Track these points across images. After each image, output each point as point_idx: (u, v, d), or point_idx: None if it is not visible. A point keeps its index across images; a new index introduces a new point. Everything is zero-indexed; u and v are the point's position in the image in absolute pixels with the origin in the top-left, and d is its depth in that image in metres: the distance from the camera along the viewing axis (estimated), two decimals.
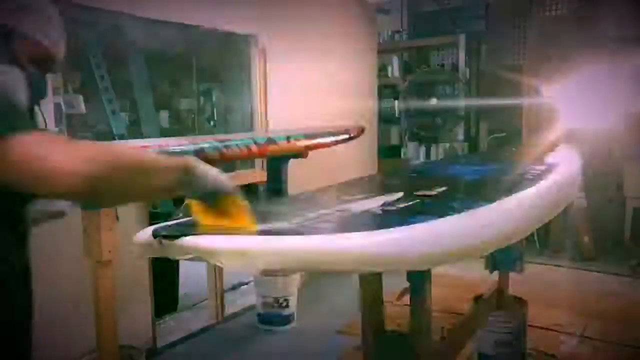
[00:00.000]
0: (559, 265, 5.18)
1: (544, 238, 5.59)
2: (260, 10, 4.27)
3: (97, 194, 1.02)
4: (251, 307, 4.08)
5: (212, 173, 1.19)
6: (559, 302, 4.13)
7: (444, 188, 2.07)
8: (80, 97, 5.23)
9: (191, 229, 1.34)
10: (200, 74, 6.74)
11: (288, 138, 3.54)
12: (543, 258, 5.32)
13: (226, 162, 3.81)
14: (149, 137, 5.66)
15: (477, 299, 3.06)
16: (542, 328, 3.66)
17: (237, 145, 3.09)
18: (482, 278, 3.27)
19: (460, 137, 6.51)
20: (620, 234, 5.54)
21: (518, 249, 2.92)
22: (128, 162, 1.07)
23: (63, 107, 4.93)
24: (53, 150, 0.97)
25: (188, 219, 1.67)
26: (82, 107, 5.21)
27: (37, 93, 1.34)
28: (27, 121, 1.13)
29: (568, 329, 3.68)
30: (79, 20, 4.60)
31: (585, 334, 3.61)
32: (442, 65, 7.01)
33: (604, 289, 4.50)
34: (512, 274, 3.08)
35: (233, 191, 1.22)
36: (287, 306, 3.83)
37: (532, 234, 5.33)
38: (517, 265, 2.98)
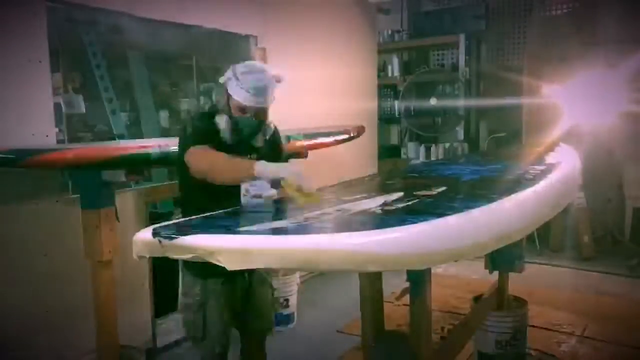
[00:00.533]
0: (559, 265, 5.17)
1: (544, 238, 5.59)
2: (260, 11, 4.27)
3: (210, 178, 1.96)
4: None
5: (269, 170, 1.89)
6: (559, 302, 4.13)
7: (443, 188, 2.07)
8: (81, 97, 5.23)
9: (190, 228, 1.34)
10: (201, 74, 6.74)
11: (288, 138, 3.54)
12: (543, 258, 5.32)
13: None
14: (149, 136, 5.67)
15: (477, 298, 3.07)
16: (542, 328, 3.66)
17: None
18: (482, 278, 3.27)
19: (460, 137, 6.51)
20: (620, 234, 5.54)
21: (518, 249, 2.92)
22: (221, 165, 1.98)
23: (63, 107, 4.94)
24: (194, 155, 2.02)
25: (188, 218, 1.67)
26: (82, 107, 5.21)
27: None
28: (202, 139, 2.04)
29: (568, 329, 3.68)
30: (79, 20, 4.61)
31: (585, 334, 3.61)
32: (442, 65, 7.01)
33: (604, 289, 4.50)
34: (512, 274, 3.08)
35: (287, 178, 1.85)
36: (287, 306, 3.83)
37: (532, 234, 5.33)
38: (517, 265, 2.98)
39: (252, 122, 2.11)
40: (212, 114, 2.14)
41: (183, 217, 2.04)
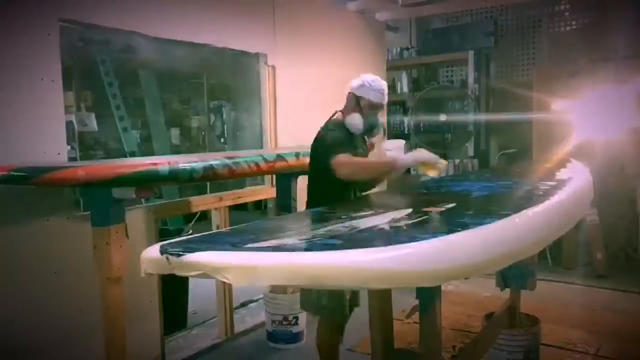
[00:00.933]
0: (571, 283, 5.10)
1: (556, 255, 5.53)
2: (270, 29, 4.32)
3: (352, 178, 2.62)
4: (260, 325, 4.06)
5: (410, 158, 2.60)
6: (572, 320, 4.07)
7: (452, 204, 2.06)
8: (93, 115, 5.30)
9: (197, 245, 1.34)
10: (211, 92, 6.80)
11: (297, 155, 3.55)
12: (555, 275, 5.25)
13: (236, 179, 3.82)
14: (160, 154, 5.71)
15: (489, 316, 3.03)
16: (555, 347, 3.60)
17: (245, 162, 3.10)
18: (494, 295, 3.23)
19: (470, 153, 6.49)
20: (634, 251, 5.46)
21: (529, 266, 2.89)
22: (364, 167, 2.66)
23: (75, 125, 5.00)
24: (341, 163, 2.55)
25: (197, 235, 1.67)
26: (95, 125, 5.28)
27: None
28: (345, 149, 2.61)
29: (582, 348, 3.62)
30: (92, 39, 4.68)
31: (599, 353, 3.54)
32: (451, 82, 7.02)
33: (618, 307, 4.42)
34: (523, 292, 3.04)
35: (423, 161, 2.59)
36: (296, 324, 3.80)
37: (544, 251, 5.27)
38: (528, 282, 2.95)
39: (376, 116, 2.83)
40: (338, 120, 2.83)
41: (309, 205, 2.72)
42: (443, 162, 2.59)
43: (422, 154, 2.61)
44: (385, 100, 2.84)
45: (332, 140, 2.69)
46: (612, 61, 5.38)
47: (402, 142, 2.86)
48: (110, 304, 2.72)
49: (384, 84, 2.81)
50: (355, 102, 2.79)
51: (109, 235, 2.65)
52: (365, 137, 2.91)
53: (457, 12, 6.65)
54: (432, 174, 2.60)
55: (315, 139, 2.82)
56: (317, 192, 2.77)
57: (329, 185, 2.62)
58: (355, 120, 2.75)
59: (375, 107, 2.79)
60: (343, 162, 2.55)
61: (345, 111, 2.83)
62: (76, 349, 2.92)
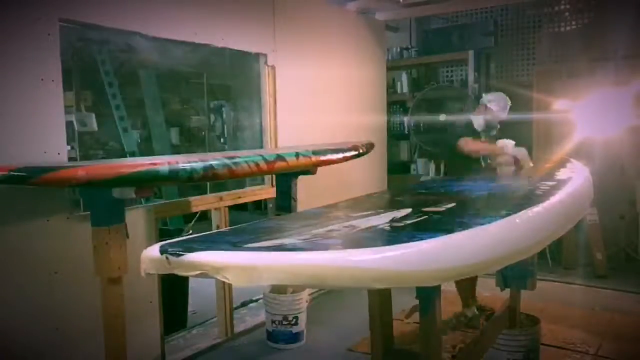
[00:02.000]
0: (571, 283, 5.10)
1: (556, 255, 5.52)
2: (270, 29, 4.32)
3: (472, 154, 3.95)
4: (260, 325, 4.06)
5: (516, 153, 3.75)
6: (572, 320, 4.07)
7: (452, 204, 2.06)
8: (93, 115, 5.30)
9: (197, 245, 1.34)
10: (211, 91, 6.80)
11: (297, 155, 3.54)
12: (555, 275, 5.25)
13: (236, 179, 3.82)
14: (160, 154, 5.71)
15: (489, 316, 3.03)
16: (555, 347, 3.60)
17: (245, 162, 3.10)
18: (494, 295, 3.23)
19: None
20: (634, 251, 5.46)
21: (529, 266, 2.89)
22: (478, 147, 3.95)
23: (75, 125, 5.00)
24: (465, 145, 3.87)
25: (197, 235, 1.67)
26: (94, 125, 5.28)
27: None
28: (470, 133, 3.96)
29: (582, 347, 3.62)
30: (91, 39, 4.68)
31: (599, 353, 3.54)
32: (451, 82, 7.01)
33: (618, 307, 4.42)
34: (524, 291, 3.04)
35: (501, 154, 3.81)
36: (296, 324, 3.81)
37: (544, 251, 5.27)
38: (529, 282, 2.94)
39: (493, 122, 3.96)
40: (469, 119, 4.03)
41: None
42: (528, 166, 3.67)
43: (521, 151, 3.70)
44: (504, 114, 3.90)
45: (462, 130, 3.99)
46: (612, 61, 5.38)
47: (512, 142, 3.72)
48: (110, 304, 2.71)
49: (503, 102, 3.88)
50: (484, 109, 3.94)
51: (109, 235, 2.64)
52: (486, 133, 3.98)
53: (457, 12, 6.65)
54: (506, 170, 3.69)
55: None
56: (453, 164, 4.09)
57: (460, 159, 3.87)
58: (477, 121, 3.95)
59: (493, 115, 3.89)
60: (465, 141, 3.82)
61: (477, 113, 4.00)
62: (76, 349, 2.92)
